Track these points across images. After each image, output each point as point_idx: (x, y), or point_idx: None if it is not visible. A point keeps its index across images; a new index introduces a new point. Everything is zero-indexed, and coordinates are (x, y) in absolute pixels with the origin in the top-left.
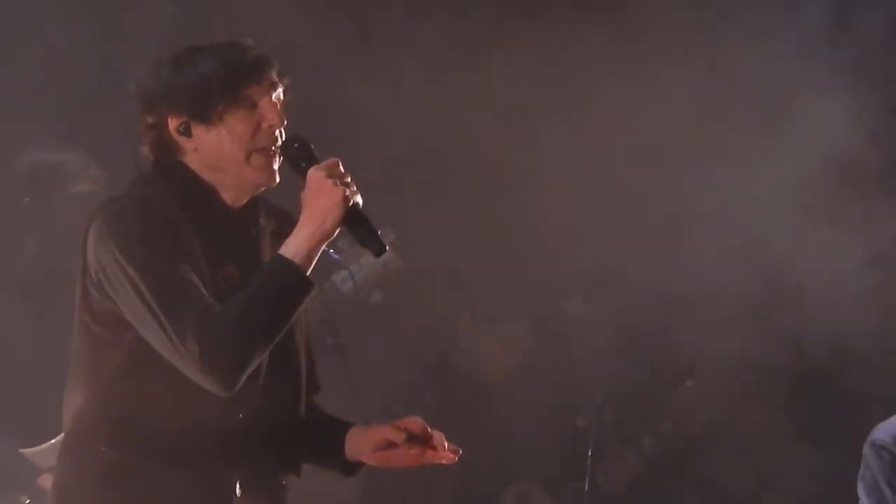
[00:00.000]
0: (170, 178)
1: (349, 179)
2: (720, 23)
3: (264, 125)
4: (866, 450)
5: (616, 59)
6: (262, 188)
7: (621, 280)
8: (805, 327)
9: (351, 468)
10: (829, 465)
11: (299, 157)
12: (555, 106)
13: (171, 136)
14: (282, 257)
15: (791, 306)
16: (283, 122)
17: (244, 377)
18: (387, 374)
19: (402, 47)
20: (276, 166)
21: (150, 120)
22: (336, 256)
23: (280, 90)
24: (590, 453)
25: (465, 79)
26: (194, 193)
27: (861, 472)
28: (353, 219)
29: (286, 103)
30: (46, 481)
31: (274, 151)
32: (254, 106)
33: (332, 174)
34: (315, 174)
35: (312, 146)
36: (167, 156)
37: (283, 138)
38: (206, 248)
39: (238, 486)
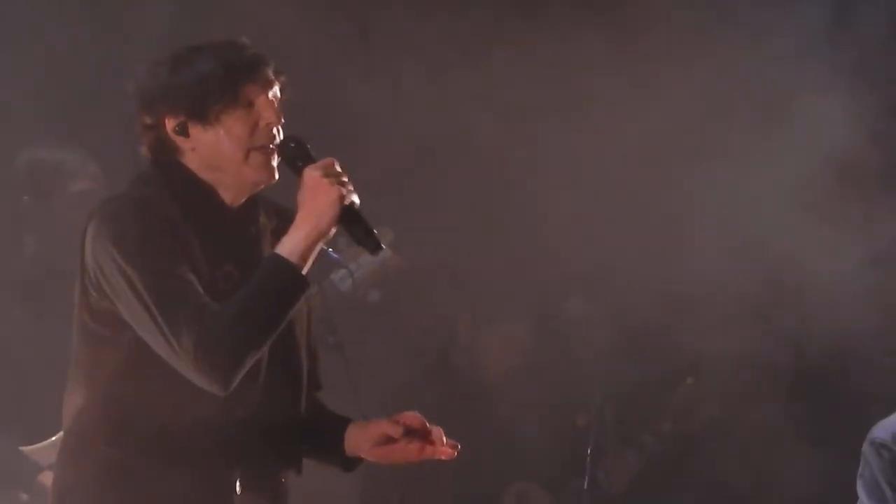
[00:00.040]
0: (168, 178)
1: (345, 178)
2: (720, 23)
3: (262, 123)
4: (866, 448)
5: (616, 59)
6: (262, 186)
7: (621, 280)
8: (805, 327)
9: (350, 464)
10: (829, 464)
11: (296, 157)
12: (555, 106)
13: (168, 136)
14: (278, 256)
15: (791, 306)
16: (281, 120)
17: (240, 376)
18: (386, 373)
19: (402, 47)
20: (275, 164)
21: (148, 120)
22: (335, 255)
23: (277, 88)
24: (589, 452)
25: (465, 79)
26: (193, 193)
27: (861, 470)
28: (349, 218)
29: (284, 101)
30: (47, 479)
31: (272, 149)
32: (251, 104)
33: (329, 173)
34: (311, 173)
35: (309, 146)
36: (165, 156)
37: (281, 136)
38: (205, 248)
39: (238, 484)
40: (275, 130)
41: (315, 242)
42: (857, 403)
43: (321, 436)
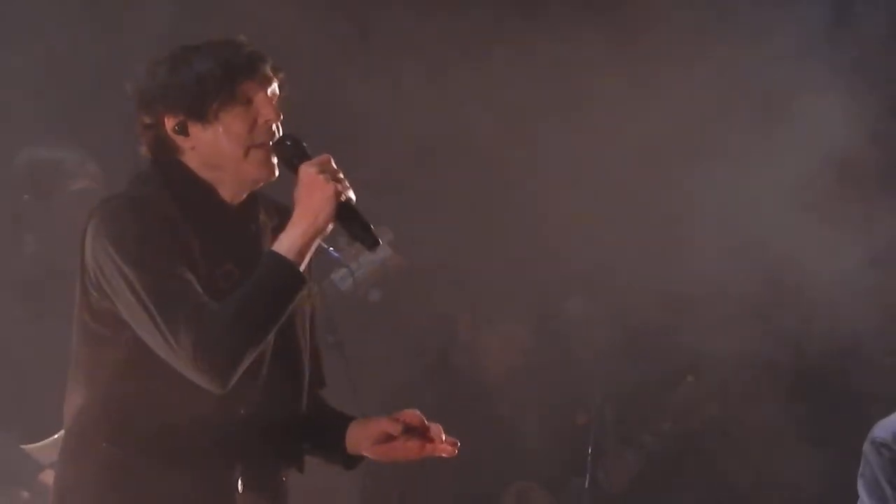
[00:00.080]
0: (168, 177)
1: (341, 175)
2: (720, 23)
3: (260, 121)
4: (866, 447)
5: (616, 59)
6: (262, 183)
7: (621, 280)
8: (805, 327)
9: (352, 462)
10: (829, 464)
11: (292, 155)
12: (555, 106)
13: (168, 136)
14: (275, 254)
15: (791, 306)
16: (280, 117)
17: (239, 373)
18: (386, 373)
19: (402, 47)
20: (275, 160)
21: (147, 120)
22: (335, 254)
23: (275, 85)
24: (590, 452)
25: (465, 79)
26: (192, 192)
27: (861, 469)
28: (345, 214)
29: (282, 98)
30: (48, 477)
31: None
32: (249, 102)
33: (324, 170)
34: (307, 170)
35: (305, 144)
36: (165, 155)
37: (280, 133)
38: (205, 247)
39: (240, 483)
40: (274, 127)
41: (312, 239)
42: (857, 403)
43: (323, 434)
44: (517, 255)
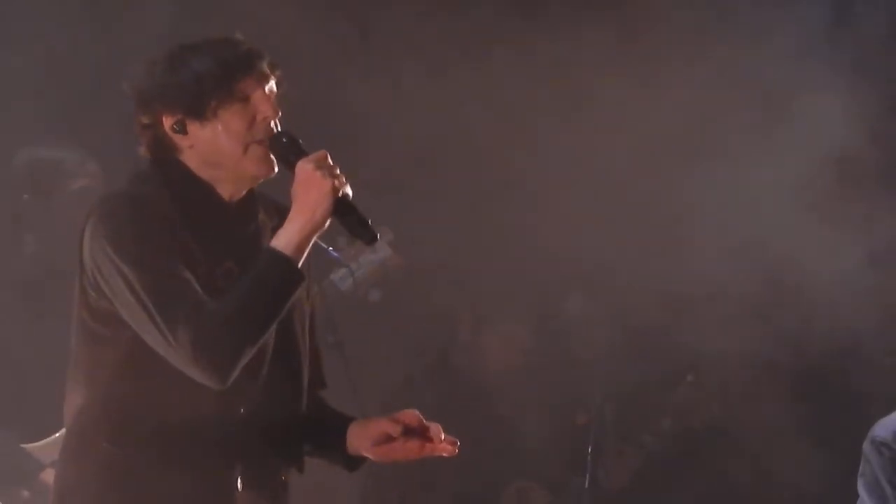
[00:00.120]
0: (167, 177)
1: (338, 171)
2: (720, 23)
3: (259, 118)
4: (866, 447)
5: (616, 59)
6: (261, 179)
7: (621, 280)
8: (805, 327)
9: (353, 463)
10: (829, 463)
11: (288, 152)
12: (555, 106)
13: (166, 135)
14: (273, 250)
15: (791, 306)
16: (278, 114)
17: (238, 370)
18: (386, 373)
19: (402, 47)
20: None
21: (146, 119)
22: (335, 254)
23: (273, 82)
24: (590, 452)
25: (465, 79)
26: (191, 191)
27: (861, 469)
28: (342, 209)
29: (280, 95)
30: (49, 476)
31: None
32: (247, 99)
33: (321, 166)
34: (304, 166)
35: (301, 141)
36: (164, 154)
37: (278, 130)
38: (205, 245)
39: (239, 482)
40: (272, 124)
41: (310, 235)
42: (857, 403)
43: (323, 434)
44: (517, 255)
